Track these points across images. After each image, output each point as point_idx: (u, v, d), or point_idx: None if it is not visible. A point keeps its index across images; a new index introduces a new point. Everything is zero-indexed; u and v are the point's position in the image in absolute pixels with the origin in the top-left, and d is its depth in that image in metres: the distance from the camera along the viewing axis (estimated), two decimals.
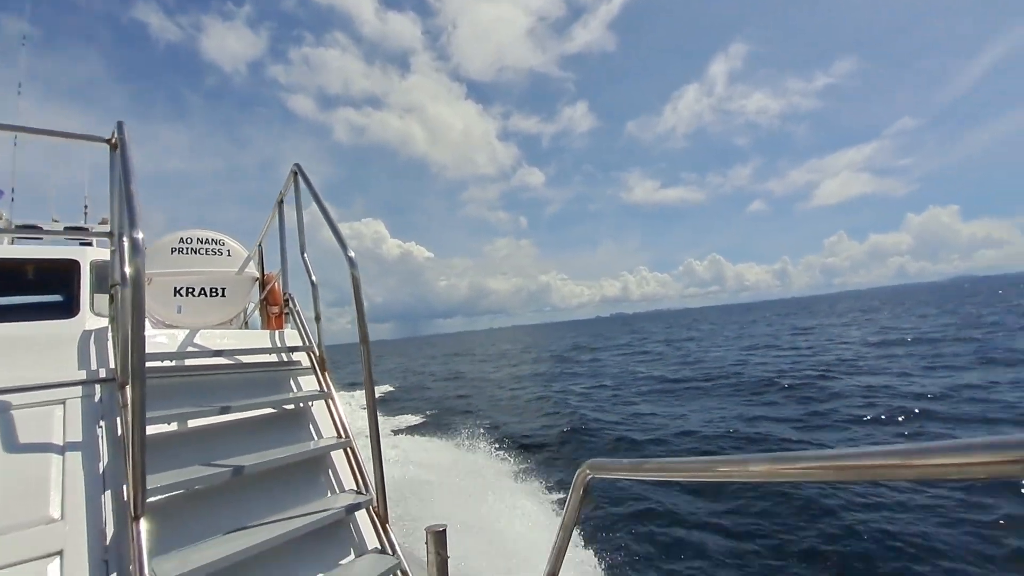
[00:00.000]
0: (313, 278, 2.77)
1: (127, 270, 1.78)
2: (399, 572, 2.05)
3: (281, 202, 3.16)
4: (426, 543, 2.40)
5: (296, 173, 2.76)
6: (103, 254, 4.15)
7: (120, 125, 2.29)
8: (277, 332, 2.97)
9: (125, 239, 1.99)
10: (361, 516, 2.24)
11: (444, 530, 2.40)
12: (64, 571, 1.52)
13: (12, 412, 1.81)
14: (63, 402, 1.94)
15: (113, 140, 2.40)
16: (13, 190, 5.91)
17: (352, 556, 2.11)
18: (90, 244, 4.74)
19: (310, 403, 2.57)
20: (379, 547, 2.15)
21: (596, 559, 6.05)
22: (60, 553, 1.56)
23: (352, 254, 2.18)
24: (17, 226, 4.79)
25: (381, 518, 2.18)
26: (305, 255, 2.83)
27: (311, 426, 2.53)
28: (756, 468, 0.84)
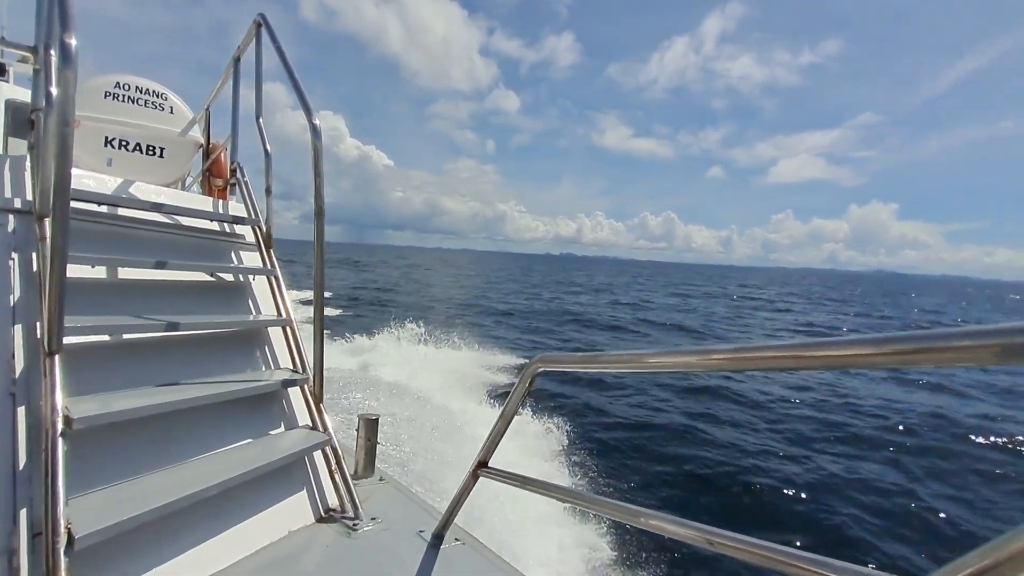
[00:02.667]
0: (268, 147, 2.57)
1: (53, 89, 1.56)
2: (328, 448, 2.08)
3: (238, 59, 2.84)
4: (357, 429, 2.45)
5: (260, 25, 2.47)
6: (22, 94, 3.65)
7: None
8: (221, 201, 2.77)
9: (53, 51, 1.73)
10: (295, 394, 2.23)
11: (377, 419, 2.46)
12: None
13: None
14: None
15: None
16: None
17: (283, 428, 2.12)
18: (7, 79, 4.18)
19: (252, 277, 2.46)
20: (311, 424, 2.16)
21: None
22: None
23: (317, 122, 2.02)
24: None
25: (316, 398, 2.18)
26: (260, 120, 2.60)
27: (251, 301, 2.44)
28: (716, 358, 0.89)
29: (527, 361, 1.51)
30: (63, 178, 1.38)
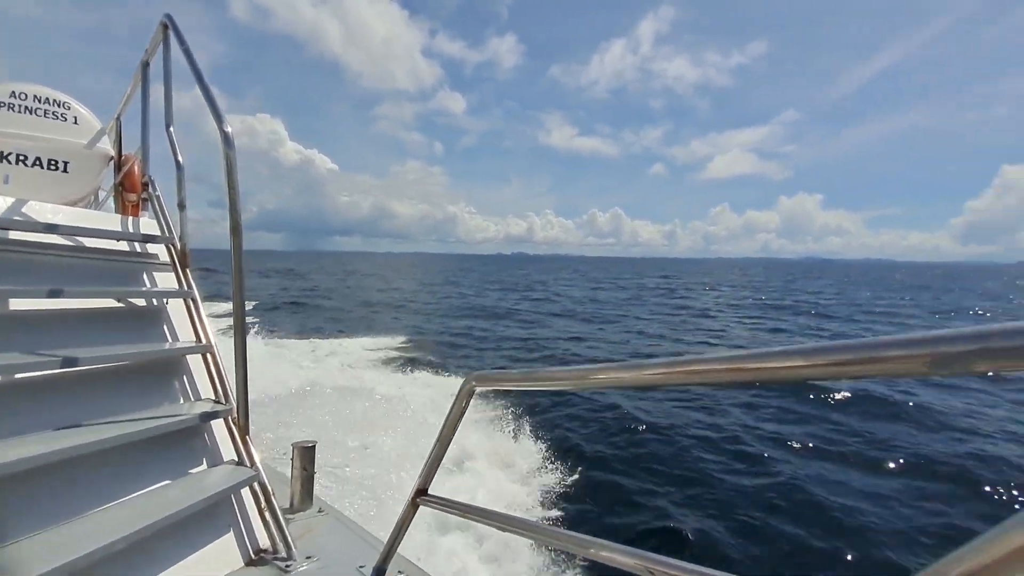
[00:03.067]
0: (180, 158, 2.36)
1: None
2: (257, 484, 1.91)
3: (147, 64, 2.62)
4: (292, 458, 2.27)
5: (167, 26, 2.28)
6: None
7: None
8: (131, 219, 2.53)
9: None
10: (219, 427, 2.04)
11: (313, 446, 2.29)
12: None
13: None
14: None
15: None
16: None
17: (205, 466, 1.93)
18: None
19: (166, 301, 2.25)
20: (236, 459, 1.98)
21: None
22: None
23: (229, 129, 1.86)
24: None
25: (241, 429, 2.00)
26: (171, 129, 2.39)
27: (166, 327, 2.22)
28: (649, 373, 0.85)
29: (464, 378, 1.42)
30: None
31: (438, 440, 1.50)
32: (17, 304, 1.83)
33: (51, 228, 2.05)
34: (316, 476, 2.27)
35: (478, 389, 1.38)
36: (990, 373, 0.46)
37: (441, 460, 1.51)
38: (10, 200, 2.16)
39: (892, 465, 6.55)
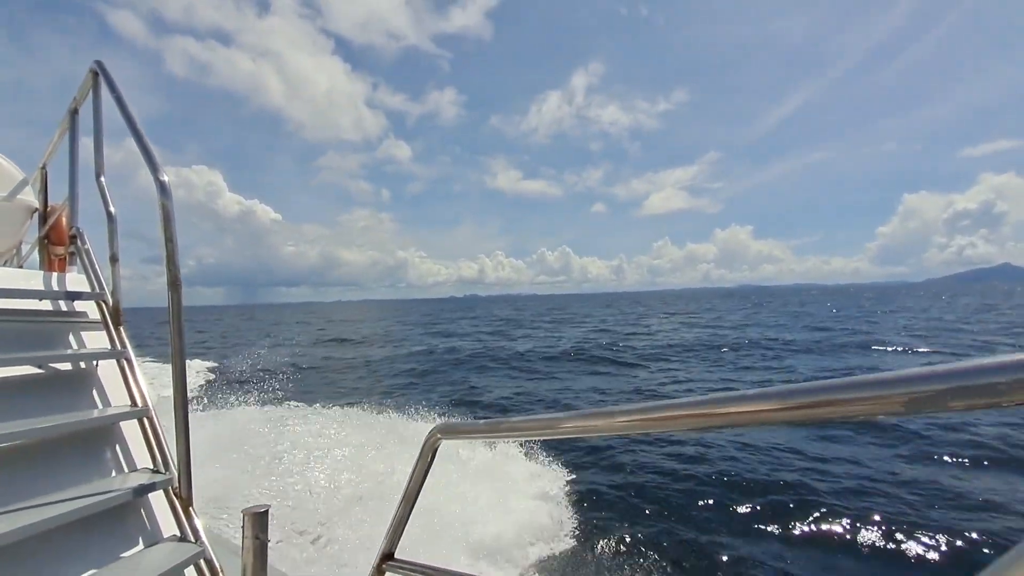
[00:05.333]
0: (111, 208, 2.20)
1: None
2: (203, 561, 1.73)
3: (75, 112, 2.48)
4: (242, 527, 2.09)
5: (97, 73, 2.17)
6: None
7: None
8: (56, 275, 2.34)
9: None
10: (158, 499, 1.85)
11: (266, 511, 2.11)
12: None
13: None
14: None
15: None
16: None
17: (141, 546, 1.73)
18: None
19: (95, 363, 2.06)
20: (178, 534, 1.79)
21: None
22: None
23: (165, 178, 1.76)
24: None
25: (184, 501, 1.82)
26: (102, 179, 2.24)
27: (95, 391, 2.03)
28: (620, 420, 0.83)
29: (426, 431, 1.35)
30: None
31: (403, 498, 1.41)
32: None
33: None
34: (272, 544, 2.09)
35: (442, 441, 1.32)
36: (967, 411, 0.45)
37: (407, 520, 1.42)
38: None
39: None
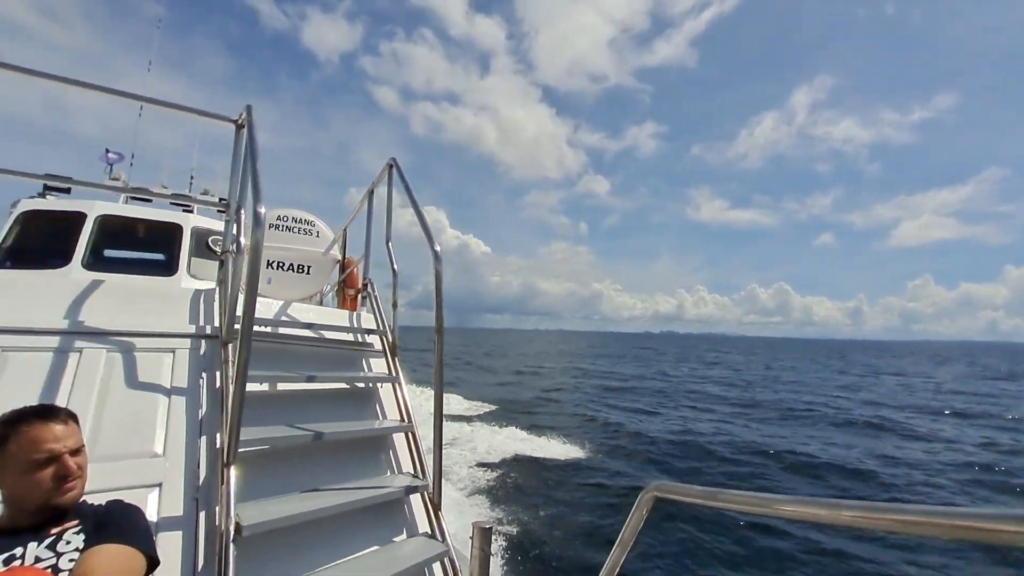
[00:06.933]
0: (395, 267, 2.92)
1: (243, 240, 1.97)
2: (447, 560, 2.11)
3: (371, 192, 3.34)
4: (471, 538, 2.46)
5: (392, 167, 2.92)
6: (202, 221, 4.56)
7: (249, 108, 2.51)
8: (354, 313, 3.15)
9: (244, 211, 2.19)
10: (415, 500, 2.33)
11: (491, 527, 2.45)
12: (161, 502, 1.70)
13: (135, 353, 2.04)
14: (173, 351, 2.16)
15: (240, 121, 2.65)
16: (133, 155, 6.58)
17: (404, 536, 2.20)
18: (191, 211, 5.21)
19: (379, 385, 2.71)
20: (429, 532, 2.22)
21: None
22: (159, 486, 1.74)
23: (438, 248, 2.29)
24: (132, 187, 5.32)
25: (434, 505, 2.25)
26: (390, 244, 2.99)
27: (378, 406, 2.66)
28: (846, 514, 0.83)
29: (640, 487, 1.47)
30: (250, 312, 1.69)
31: (618, 544, 1.54)
32: (282, 387, 2.39)
33: (307, 326, 2.67)
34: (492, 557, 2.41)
35: (658, 496, 1.42)
36: None
37: (619, 565, 1.54)
38: (279, 302, 2.87)
39: None
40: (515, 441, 12.90)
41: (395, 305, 2.90)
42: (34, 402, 1.37)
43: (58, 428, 1.26)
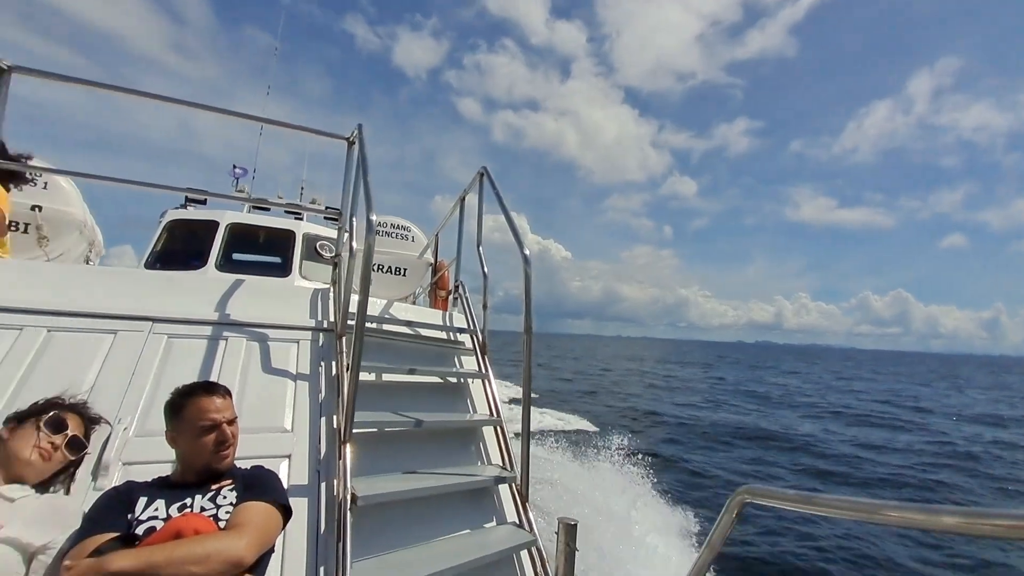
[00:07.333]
0: (486, 270, 3.09)
1: (355, 244, 2.21)
2: (534, 549, 2.20)
3: (463, 199, 3.55)
4: (557, 533, 2.54)
5: (483, 175, 3.09)
6: (312, 228, 5.07)
7: (360, 127, 2.80)
8: (447, 313, 3.36)
9: (355, 219, 2.46)
10: (504, 491, 2.45)
11: (576, 524, 2.52)
12: (291, 471, 1.96)
13: (268, 343, 2.36)
14: (297, 342, 2.46)
15: (352, 138, 2.95)
16: (255, 170, 7.42)
17: (494, 523, 2.33)
18: (302, 218, 5.78)
19: (470, 380, 2.88)
20: (517, 522, 2.33)
21: None
22: (289, 457, 2.01)
23: (527, 252, 2.40)
24: (254, 198, 6.01)
25: (522, 496, 2.36)
26: (481, 248, 3.16)
27: (469, 401, 2.83)
28: (948, 520, 0.82)
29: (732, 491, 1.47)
30: (363, 310, 1.91)
31: (707, 545, 1.55)
32: (387, 377, 2.62)
33: (408, 323, 2.91)
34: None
35: (748, 500, 1.41)
36: None
37: (708, 567, 1.55)
38: (383, 301, 3.14)
39: None
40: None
41: (485, 306, 3.07)
42: (195, 380, 1.66)
43: (219, 401, 1.52)
